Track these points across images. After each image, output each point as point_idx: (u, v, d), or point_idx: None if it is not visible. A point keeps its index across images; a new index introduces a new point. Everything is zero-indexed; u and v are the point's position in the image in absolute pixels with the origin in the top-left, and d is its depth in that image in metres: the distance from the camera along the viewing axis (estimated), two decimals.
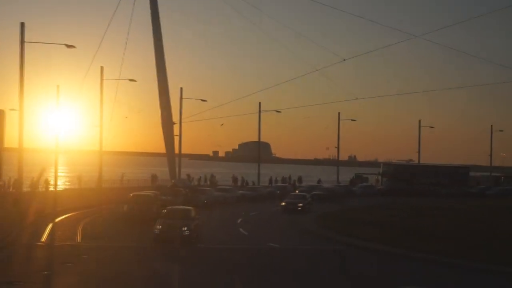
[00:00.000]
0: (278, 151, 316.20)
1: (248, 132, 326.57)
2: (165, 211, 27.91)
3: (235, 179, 73.94)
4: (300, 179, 79.11)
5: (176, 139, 59.82)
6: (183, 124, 59.79)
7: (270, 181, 78.10)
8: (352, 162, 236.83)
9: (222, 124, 79.99)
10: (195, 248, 25.20)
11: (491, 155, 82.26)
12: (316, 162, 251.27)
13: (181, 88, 59.93)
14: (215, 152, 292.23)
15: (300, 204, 43.82)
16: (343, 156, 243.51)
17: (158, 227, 25.97)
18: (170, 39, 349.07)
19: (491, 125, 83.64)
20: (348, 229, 31.53)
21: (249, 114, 69.62)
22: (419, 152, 78.20)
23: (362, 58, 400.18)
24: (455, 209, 45.15)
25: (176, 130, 59.31)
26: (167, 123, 57.10)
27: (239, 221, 37.56)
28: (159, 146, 63.97)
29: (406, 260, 23.90)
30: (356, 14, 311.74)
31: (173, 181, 52.08)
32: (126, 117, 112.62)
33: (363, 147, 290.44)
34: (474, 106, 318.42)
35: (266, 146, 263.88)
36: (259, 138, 69.78)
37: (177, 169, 58.55)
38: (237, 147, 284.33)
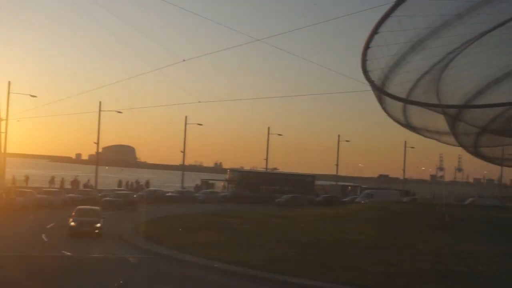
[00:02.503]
0: (144, 155, 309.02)
1: (110, 135, 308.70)
2: None
3: (74, 182, 69.91)
4: (147, 183, 76.47)
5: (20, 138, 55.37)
6: (30, 122, 55.74)
7: (120, 184, 75.46)
8: (217, 169, 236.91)
9: (90, 133, 76.34)
10: None
11: (337, 165, 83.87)
12: (181, 167, 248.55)
13: (9, 82, 59.01)
14: (78, 155, 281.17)
15: (98, 225, 31.04)
16: (210, 163, 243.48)
17: None
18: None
19: (338, 135, 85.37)
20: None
21: (93, 113, 65.66)
22: (266, 159, 78.26)
23: (206, 59, 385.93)
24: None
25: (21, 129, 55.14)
26: None
27: (49, 226, 34.32)
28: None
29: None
30: (198, 13, 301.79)
31: None
32: None
33: (229, 154, 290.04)
34: (323, 114, 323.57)
35: (131, 150, 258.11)
36: (98, 140, 66.23)
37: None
38: (101, 150, 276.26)
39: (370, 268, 21.35)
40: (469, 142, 47.74)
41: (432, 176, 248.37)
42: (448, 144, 51.48)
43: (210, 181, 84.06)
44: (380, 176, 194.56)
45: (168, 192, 65.67)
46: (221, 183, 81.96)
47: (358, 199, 65.82)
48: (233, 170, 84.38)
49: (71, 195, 51.54)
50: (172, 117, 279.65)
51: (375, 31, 37.50)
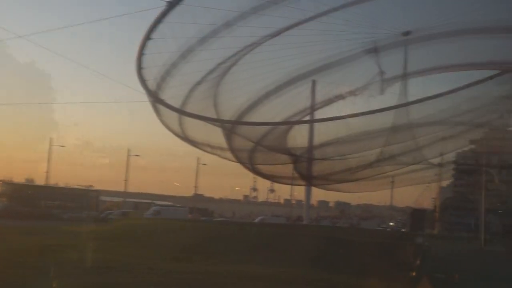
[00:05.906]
0: None
1: None
2: None
3: None
4: None
5: None
6: None
7: None
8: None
9: None
10: None
11: (126, 180, 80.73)
12: None
13: None
14: None
15: None
16: (21, 179, 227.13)
17: None
18: None
19: (128, 149, 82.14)
20: None
21: None
22: (47, 172, 73.34)
23: None
24: None
25: None
26: None
27: None
28: None
29: None
30: None
31: None
32: None
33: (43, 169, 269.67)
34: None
35: None
36: None
37: None
38: None
39: None
40: (245, 158, 47.20)
41: (245, 196, 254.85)
42: (229, 160, 50.46)
43: None
44: (195, 195, 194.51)
45: None
46: None
47: (145, 216, 63.63)
48: (5, 183, 77.90)
49: None
50: None
51: (147, 37, 35.31)
